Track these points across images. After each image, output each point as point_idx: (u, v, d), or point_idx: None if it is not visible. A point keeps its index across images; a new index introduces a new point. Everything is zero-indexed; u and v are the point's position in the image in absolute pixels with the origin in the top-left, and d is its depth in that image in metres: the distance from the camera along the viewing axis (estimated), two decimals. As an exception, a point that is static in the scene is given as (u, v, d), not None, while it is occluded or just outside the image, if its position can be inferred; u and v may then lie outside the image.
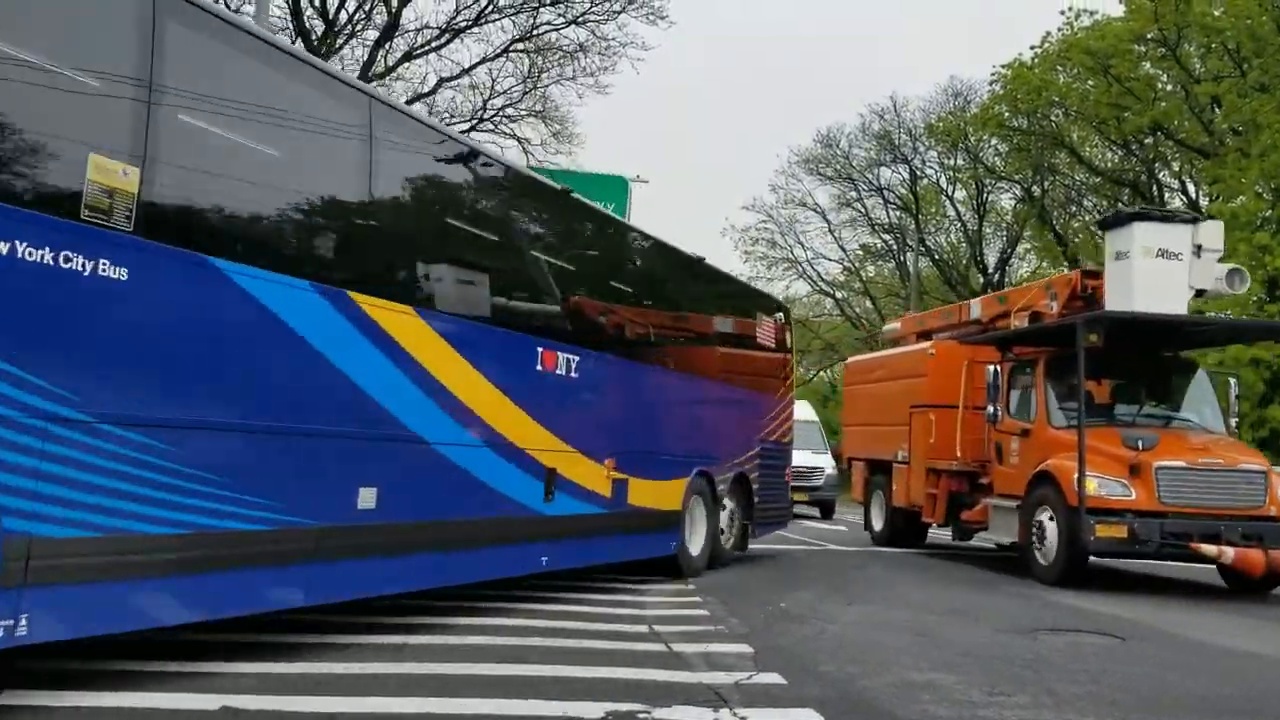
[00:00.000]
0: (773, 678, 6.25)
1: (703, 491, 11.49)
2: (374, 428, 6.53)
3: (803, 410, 26.88)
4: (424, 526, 7.00)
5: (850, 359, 21.79)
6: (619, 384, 9.77)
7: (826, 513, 24.73)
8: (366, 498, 6.44)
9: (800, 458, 24.28)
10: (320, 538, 6.10)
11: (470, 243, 7.86)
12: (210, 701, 5.04)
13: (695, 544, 11.48)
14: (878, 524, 17.55)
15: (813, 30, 78.30)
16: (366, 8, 24.03)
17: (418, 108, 23.37)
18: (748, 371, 12.99)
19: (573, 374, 8.77)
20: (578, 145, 28.38)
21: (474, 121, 26.18)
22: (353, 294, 6.35)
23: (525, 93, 26.11)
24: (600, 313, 9.69)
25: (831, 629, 8.29)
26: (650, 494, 10.26)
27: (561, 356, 8.54)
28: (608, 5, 24.61)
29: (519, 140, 26.01)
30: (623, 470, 9.64)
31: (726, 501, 12.24)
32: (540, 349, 8.28)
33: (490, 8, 24.26)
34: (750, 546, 13.35)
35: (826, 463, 24.41)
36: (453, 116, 26.44)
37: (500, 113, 26.12)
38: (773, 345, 13.75)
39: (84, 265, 4.72)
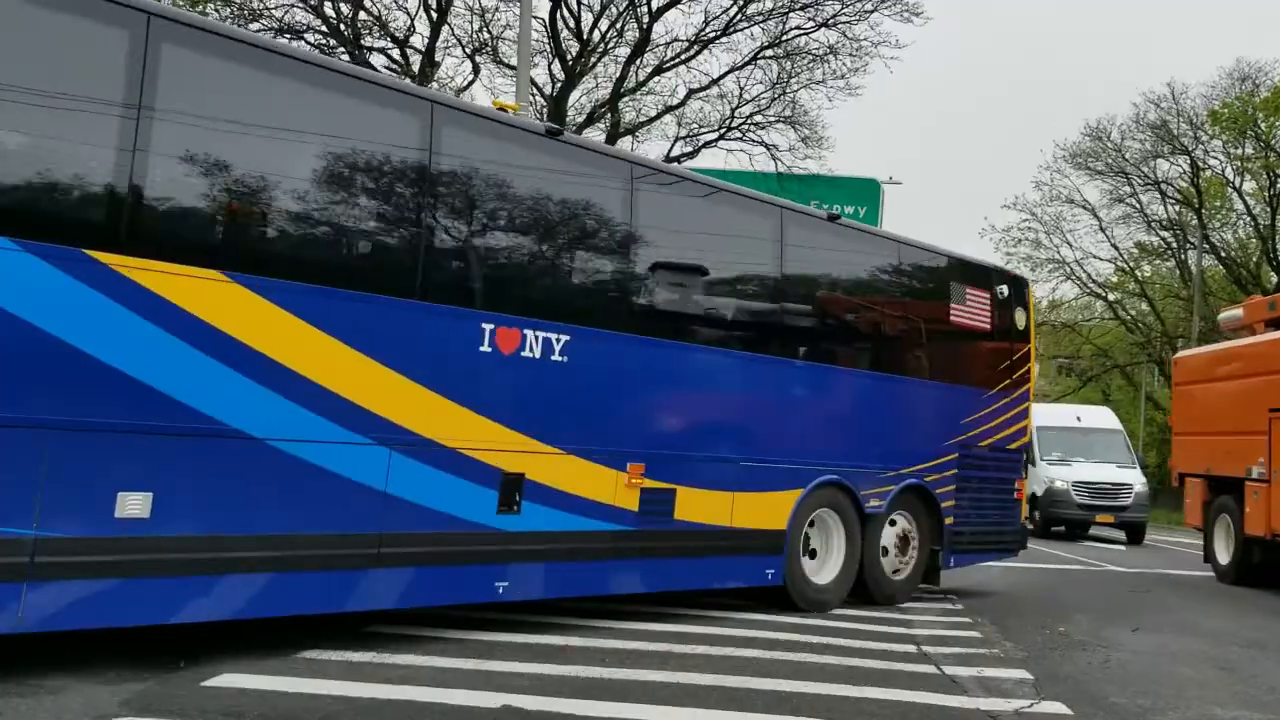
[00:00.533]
0: (1056, 707, 5.87)
1: (837, 506, 9.40)
2: (140, 419, 5.38)
3: (1102, 418, 24.25)
4: (229, 541, 5.69)
5: (1181, 353, 18.19)
6: (648, 370, 7.89)
7: (1135, 537, 21.67)
8: (131, 504, 5.38)
9: (1102, 473, 21.46)
10: (40, 549, 5.07)
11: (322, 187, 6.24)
12: (490, 699, 5.24)
13: (824, 571, 9.38)
14: (1223, 556, 14.41)
15: (1078, 28, 73.97)
16: (619, 26, 24.61)
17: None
18: (931, 357, 10.51)
19: (557, 357, 7.18)
20: (827, 149, 27.61)
21: (721, 131, 26.18)
22: (97, 254, 5.26)
23: (774, 99, 25.83)
24: (613, 277, 7.82)
25: (1118, 656, 7.73)
26: (716, 508, 8.32)
27: (530, 336, 6.99)
28: (859, 5, 24.05)
29: (767, 147, 25.80)
30: (660, 478, 7.87)
31: (896, 519, 10.10)
32: (490, 325, 6.79)
33: (739, 17, 24.27)
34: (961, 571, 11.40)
35: (1135, 479, 21.56)
36: (700, 127, 26.59)
37: (748, 120, 26.00)
38: (985, 326, 11.11)
39: None
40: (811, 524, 9.29)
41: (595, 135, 25.36)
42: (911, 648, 7.61)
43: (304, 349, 5.96)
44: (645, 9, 23.83)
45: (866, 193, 25.88)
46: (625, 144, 25.51)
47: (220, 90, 5.79)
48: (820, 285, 9.61)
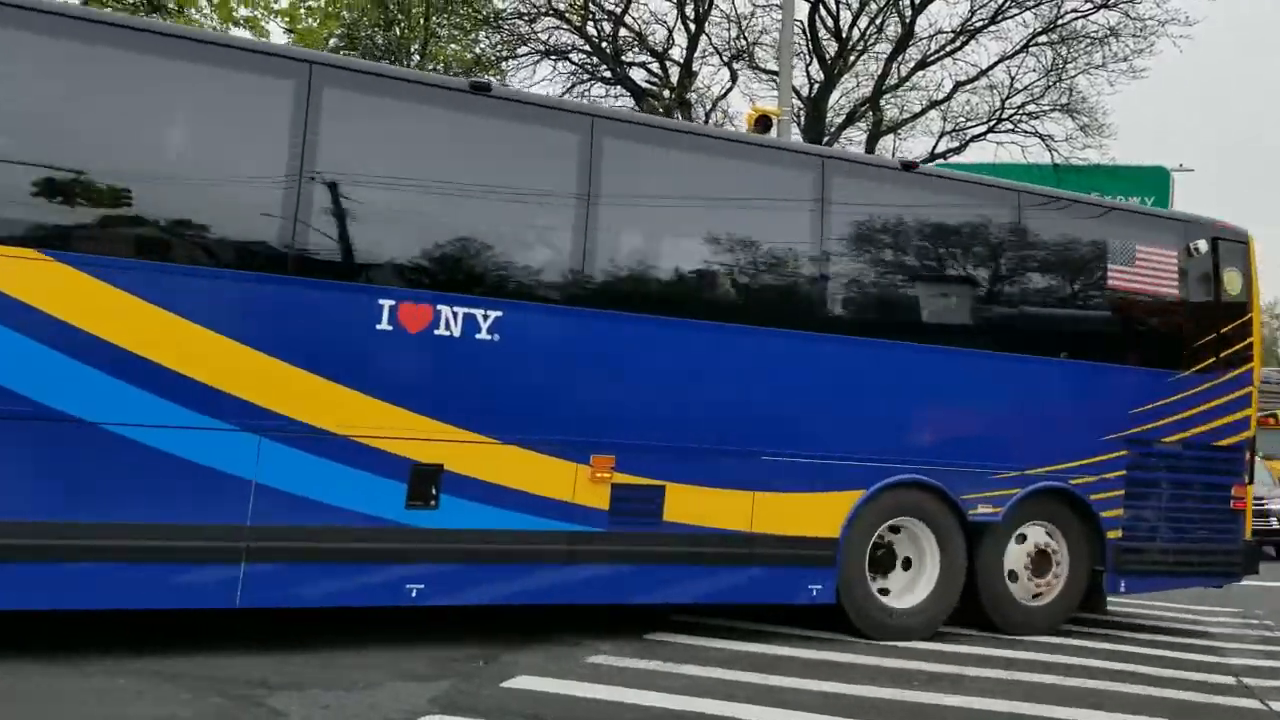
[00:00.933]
0: None
1: (924, 513, 7.84)
2: None
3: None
4: (62, 528, 5.47)
5: None
6: (615, 349, 6.89)
7: None
8: None
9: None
10: None
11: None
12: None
13: (909, 593, 7.89)
14: None
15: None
16: (879, 22, 23.29)
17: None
18: (1077, 330, 8.64)
19: (484, 335, 6.37)
20: (1108, 137, 24.65)
21: (991, 123, 24.28)
22: None
23: (1048, 87, 23.47)
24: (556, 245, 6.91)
25: None
26: (728, 510, 7.12)
27: (445, 313, 6.23)
28: (1144, -17, 21.28)
29: (1041, 138, 23.48)
30: (640, 473, 6.83)
31: (1027, 531, 8.30)
32: (389, 302, 6.14)
33: (1009, 3, 22.21)
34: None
35: None
36: (968, 120, 24.83)
37: (1020, 111, 23.77)
38: (1170, 292, 8.87)
39: None
40: (897, 533, 7.90)
41: (857, 135, 24.21)
42: (1229, 679, 6.84)
43: (145, 330, 5.69)
44: (908, 3, 22.41)
45: (1154, 182, 23.66)
46: (887, 142, 24.17)
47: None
48: (883, 243, 8.05)
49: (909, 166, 8.41)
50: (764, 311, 7.52)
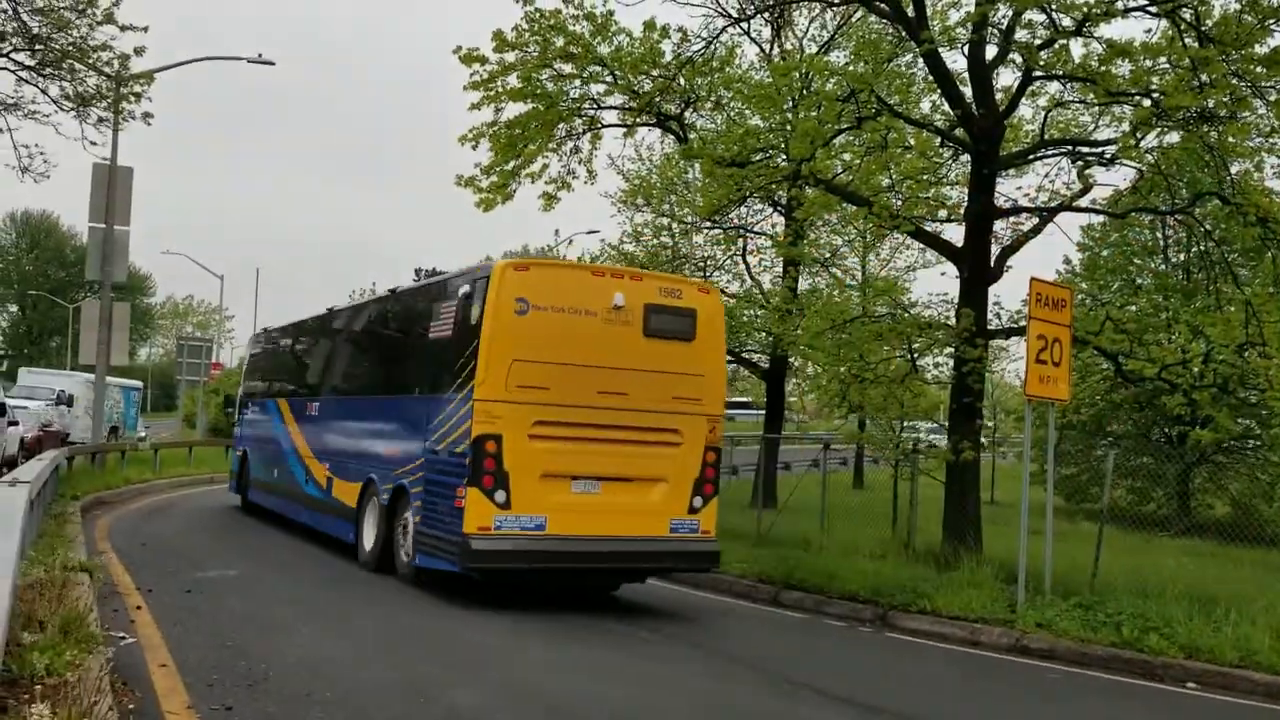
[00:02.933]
0: None
1: (376, 499, 13.74)
2: None
3: None
4: None
5: None
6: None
7: None
8: None
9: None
10: None
11: None
12: None
13: (368, 541, 13.77)
14: None
15: None
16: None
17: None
18: (405, 372, 13.61)
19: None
20: None
21: None
22: None
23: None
24: None
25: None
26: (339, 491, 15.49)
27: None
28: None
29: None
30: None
31: (402, 510, 12.77)
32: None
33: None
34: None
35: None
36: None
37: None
38: (447, 333, 12.01)
39: None
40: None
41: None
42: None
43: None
44: None
45: None
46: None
47: None
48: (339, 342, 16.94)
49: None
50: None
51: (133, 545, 14.71)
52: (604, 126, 17.92)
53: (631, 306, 11.38)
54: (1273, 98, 12.46)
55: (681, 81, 16.86)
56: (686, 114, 18.21)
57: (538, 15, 16.63)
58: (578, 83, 17.14)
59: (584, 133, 17.72)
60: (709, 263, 27.83)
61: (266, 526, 18.32)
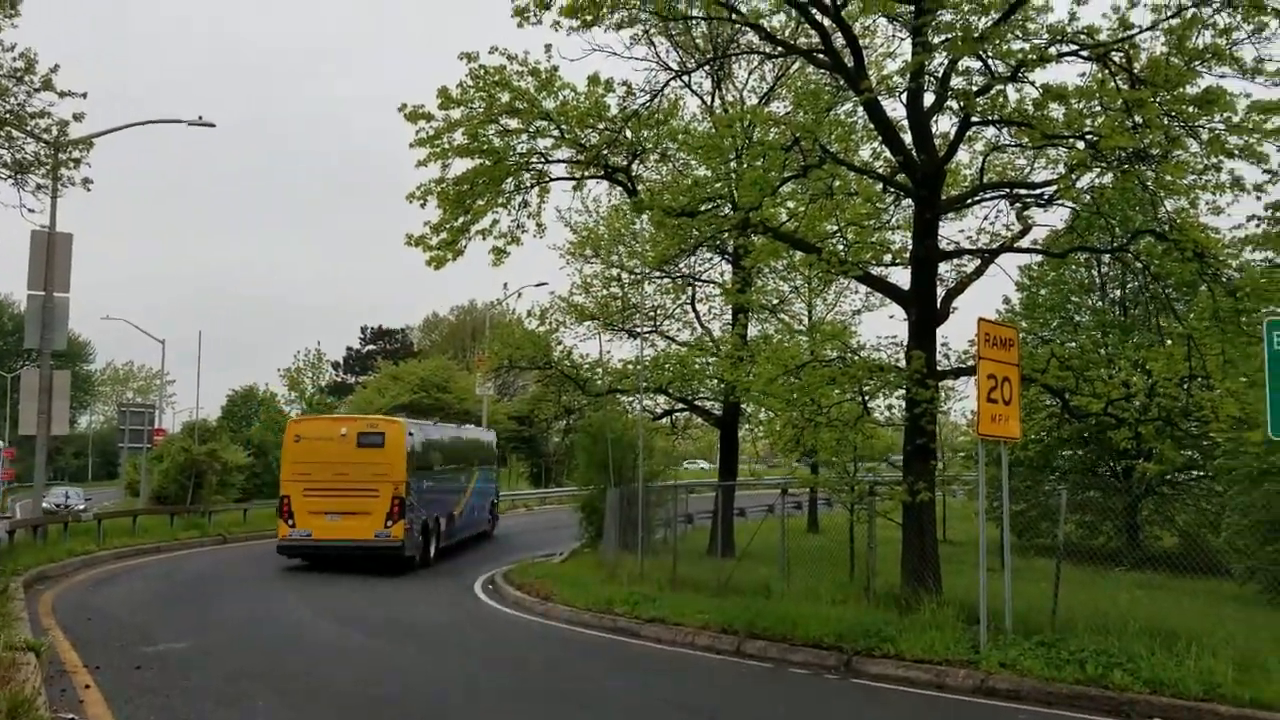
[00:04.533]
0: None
1: None
2: None
3: None
4: None
5: None
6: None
7: None
8: None
9: None
10: None
11: None
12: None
13: None
14: None
15: None
16: None
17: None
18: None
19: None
20: None
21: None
22: None
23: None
24: None
25: None
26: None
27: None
28: None
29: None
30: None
31: None
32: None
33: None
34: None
35: None
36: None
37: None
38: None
39: None
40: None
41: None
42: None
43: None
44: None
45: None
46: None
47: None
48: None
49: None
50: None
51: (79, 620, 14.27)
52: (552, 180, 17.98)
53: (350, 434, 23.16)
54: (1205, 136, 12.84)
55: (628, 134, 17.01)
56: (634, 166, 18.35)
57: (482, 72, 16.71)
58: (524, 137, 17.21)
59: (532, 187, 17.76)
60: (659, 312, 27.96)
61: (213, 594, 17.86)
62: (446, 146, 16.71)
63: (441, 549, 25.29)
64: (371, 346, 79.09)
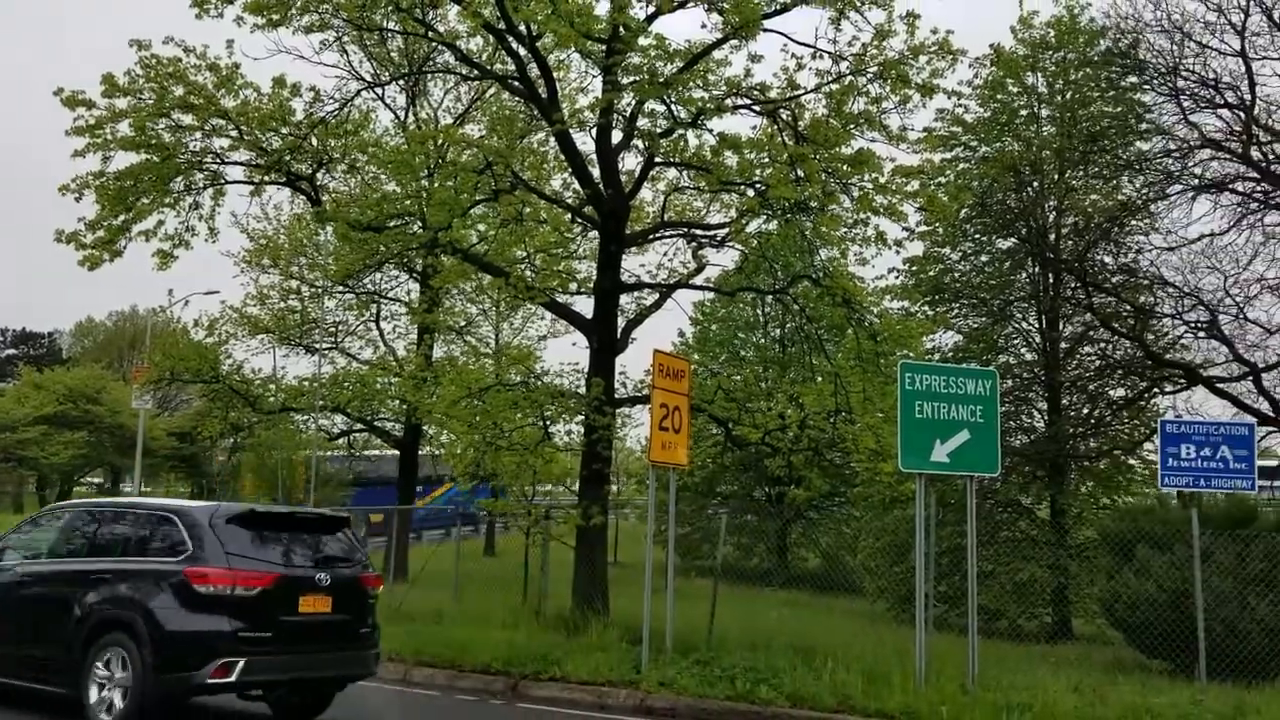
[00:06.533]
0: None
1: None
2: None
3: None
4: None
5: None
6: None
7: None
8: None
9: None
10: None
11: None
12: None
13: None
14: None
15: None
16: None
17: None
18: None
19: None
20: None
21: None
22: None
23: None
24: None
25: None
26: None
27: None
28: None
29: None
30: None
31: None
32: None
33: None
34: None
35: None
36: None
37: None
38: None
39: None
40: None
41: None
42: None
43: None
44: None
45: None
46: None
47: None
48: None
49: None
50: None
51: None
52: (228, 182, 16.95)
53: None
54: (856, 193, 14.17)
55: (314, 142, 16.38)
56: (319, 175, 17.72)
57: (154, 62, 15.54)
58: (199, 135, 16.14)
59: (205, 188, 16.64)
60: (340, 328, 27.05)
61: None
62: (109, 138, 15.36)
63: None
64: (12, 351, 70.98)
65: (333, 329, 26.82)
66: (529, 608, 15.66)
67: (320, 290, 25.56)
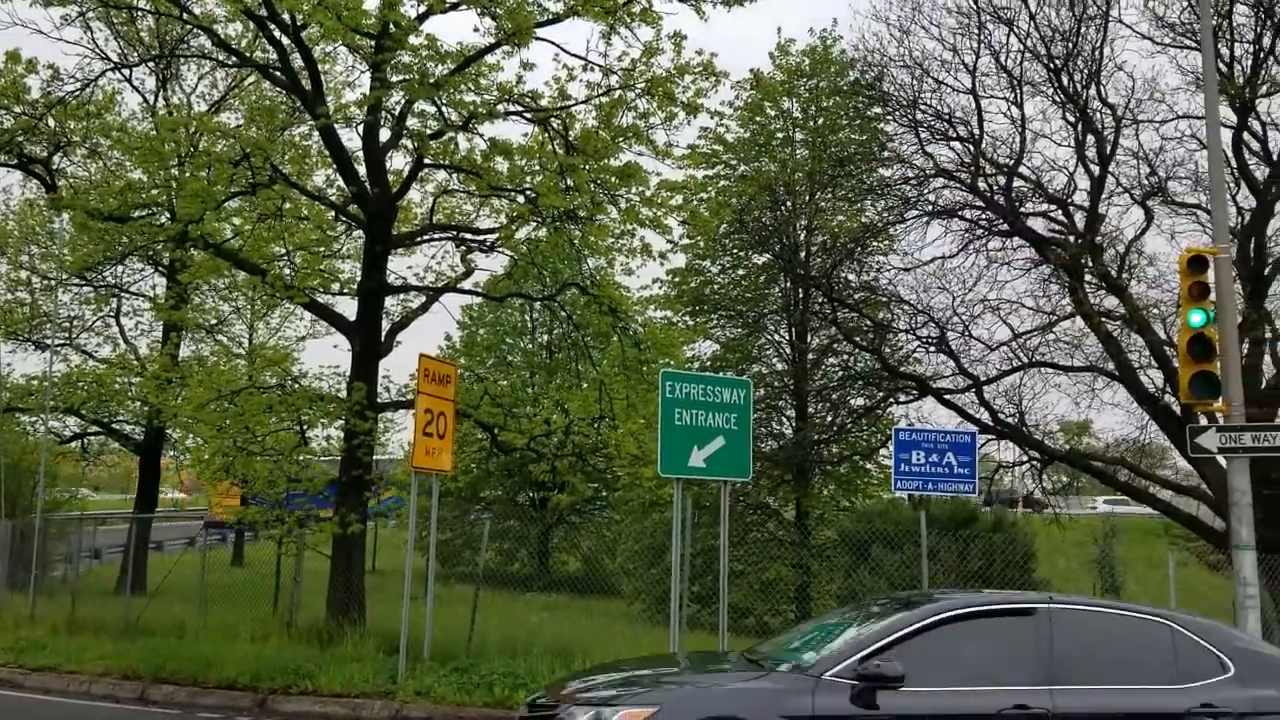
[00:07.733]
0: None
1: None
2: None
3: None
4: None
5: None
6: None
7: None
8: None
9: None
10: None
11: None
12: None
13: None
14: None
15: None
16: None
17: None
18: None
19: None
20: None
21: None
22: None
23: None
24: None
25: None
26: None
27: None
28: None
29: None
30: None
31: None
32: None
33: None
34: None
35: None
36: None
37: None
38: None
39: None
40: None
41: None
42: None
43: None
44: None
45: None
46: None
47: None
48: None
49: None
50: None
51: None
52: (-53, 162, 15.48)
53: None
54: (623, 205, 14.53)
55: (51, 123, 15.18)
56: (55, 159, 16.41)
57: None
58: (-89, 107, 14.65)
59: (-82, 164, 15.14)
60: (75, 323, 25.08)
61: None
62: None
63: None
64: None
65: (66, 324, 24.84)
66: (280, 619, 15.07)
67: (54, 282, 23.63)
